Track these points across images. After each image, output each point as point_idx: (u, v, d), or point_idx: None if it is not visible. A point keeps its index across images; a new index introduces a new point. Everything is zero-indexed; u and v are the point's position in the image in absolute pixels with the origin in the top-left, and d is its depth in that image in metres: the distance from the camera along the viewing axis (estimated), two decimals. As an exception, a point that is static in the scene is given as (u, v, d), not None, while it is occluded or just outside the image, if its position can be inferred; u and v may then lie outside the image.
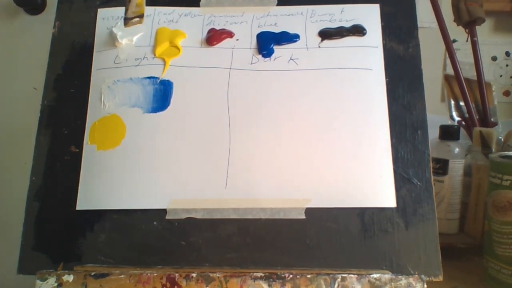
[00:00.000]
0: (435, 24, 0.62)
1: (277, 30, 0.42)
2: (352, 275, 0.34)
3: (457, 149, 0.54)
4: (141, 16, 0.41)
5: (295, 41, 0.42)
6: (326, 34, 0.42)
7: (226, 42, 0.42)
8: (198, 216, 0.37)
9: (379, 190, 0.37)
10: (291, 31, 0.42)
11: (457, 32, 0.65)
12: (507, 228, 0.41)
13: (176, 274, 0.35)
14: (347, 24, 0.42)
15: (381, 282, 0.34)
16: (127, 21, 0.41)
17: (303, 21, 0.42)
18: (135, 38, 0.42)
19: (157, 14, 0.43)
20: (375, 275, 0.34)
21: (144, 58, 0.42)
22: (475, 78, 0.64)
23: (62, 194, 0.39)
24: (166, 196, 0.38)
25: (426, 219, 0.37)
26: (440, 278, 0.35)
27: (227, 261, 0.36)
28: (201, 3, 0.44)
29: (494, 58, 0.77)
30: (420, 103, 0.39)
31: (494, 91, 0.75)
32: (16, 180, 0.46)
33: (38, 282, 0.35)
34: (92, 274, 0.35)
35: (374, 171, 0.38)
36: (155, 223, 0.37)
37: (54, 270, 0.36)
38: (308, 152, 0.38)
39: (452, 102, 0.71)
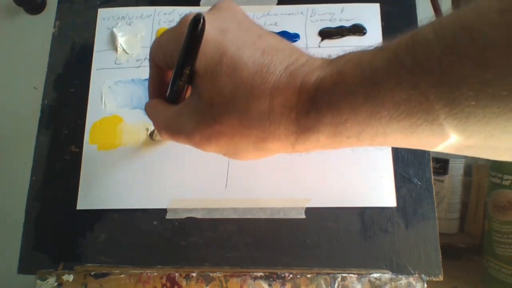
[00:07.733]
0: (435, 24, 0.62)
1: (277, 29, 0.42)
2: (352, 275, 0.34)
3: (457, 149, 0.54)
4: None
5: (295, 40, 0.42)
6: (326, 34, 0.42)
7: (226, 41, 0.42)
8: (198, 215, 0.37)
9: (379, 189, 0.37)
10: (291, 30, 0.42)
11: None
12: (507, 227, 0.41)
13: (176, 274, 0.35)
14: (347, 24, 0.42)
15: (381, 282, 0.34)
16: None
17: (303, 20, 0.42)
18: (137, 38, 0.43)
19: (157, 14, 0.43)
20: (375, 275, 0.34)
21: (145, 59, 0.42)
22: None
23: (62, 194, 0.39)
24: (166, 195, 0.38)
25: (426, 218, 0.37)
26: (440, 278, 0.35)
27: (227, 261, 0.36)
28: (201, 2, 0.44)
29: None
30: (420, 102, 0.39)
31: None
32: (16, 180, 0.46)
33: (38, 281, 0.35)
34: (92, 273, 0.35)
35: (374, 170, 0.38)
36: (155, 222, 0.37)
37: (54, 269, 0.36)
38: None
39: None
